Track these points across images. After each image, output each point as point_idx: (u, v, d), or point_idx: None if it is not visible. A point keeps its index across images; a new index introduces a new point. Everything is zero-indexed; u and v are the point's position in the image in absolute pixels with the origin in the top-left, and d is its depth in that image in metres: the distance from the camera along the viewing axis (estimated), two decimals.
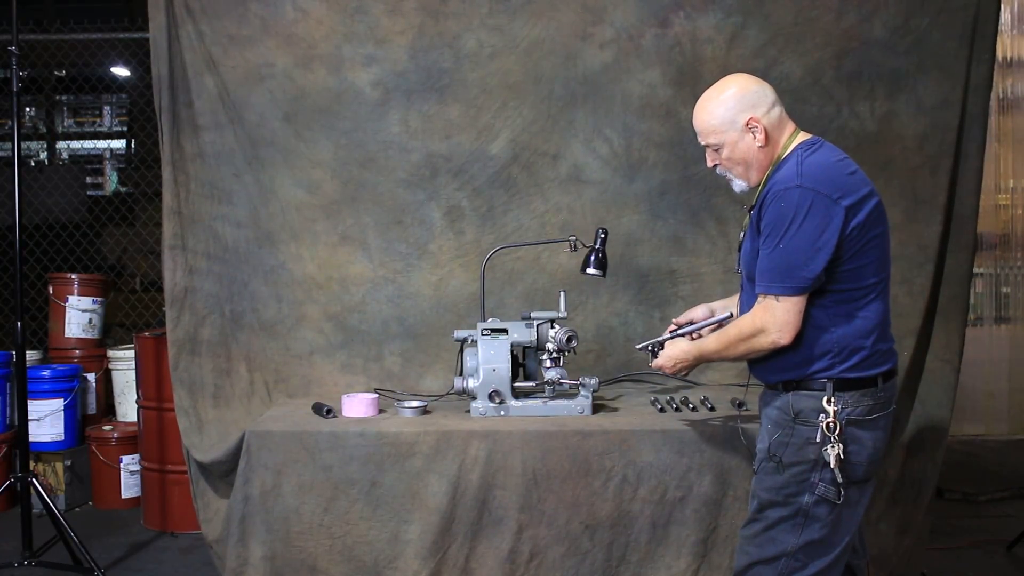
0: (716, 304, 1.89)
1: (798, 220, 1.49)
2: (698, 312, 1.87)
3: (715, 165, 1.67)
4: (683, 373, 1.78)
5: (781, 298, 1.53)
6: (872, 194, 1.55)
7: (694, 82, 2.45)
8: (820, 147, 1.58)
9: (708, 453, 1.99)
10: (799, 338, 1.55)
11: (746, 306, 1.65)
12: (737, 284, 1.85)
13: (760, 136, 1.59)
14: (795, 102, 1.68)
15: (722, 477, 1.98)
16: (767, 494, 1.60)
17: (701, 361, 1.75)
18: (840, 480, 1.53)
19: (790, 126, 1.62)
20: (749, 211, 1.65)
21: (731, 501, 1.98)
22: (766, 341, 1.55)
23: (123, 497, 3.38)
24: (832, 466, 1.51)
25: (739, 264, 1.71)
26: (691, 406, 2.19)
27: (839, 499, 1.54)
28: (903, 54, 2.42)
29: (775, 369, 1.61)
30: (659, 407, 2.17)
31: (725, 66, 2.33)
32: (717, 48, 2.47)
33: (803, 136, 1.62)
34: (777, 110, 1.61)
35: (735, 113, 1.60)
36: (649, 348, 1.85)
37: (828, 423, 1.52)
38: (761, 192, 1.60)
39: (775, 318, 1.53)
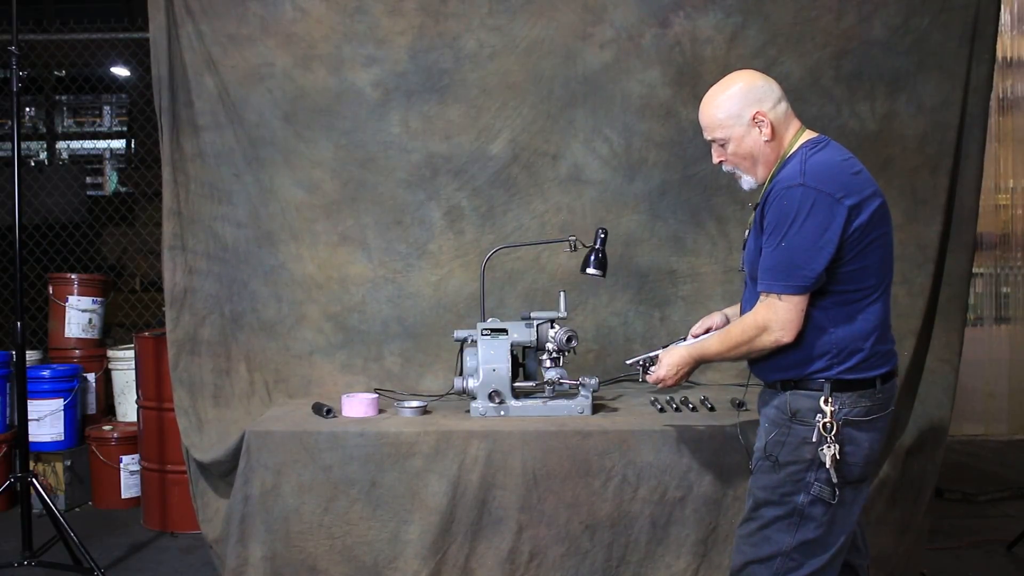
0: (729, 310, 1.86)
1: (800, 218, 1.49)
2: (715, 319, 1.84)
3: (721, 161, 1.66)
4: (684, 380, 1.75)
5: (784, 296, 1.52)
6: (876, 195, 1.55)
7: (694, 82, 2.45)
8: (825, 146, 1.58)
9: (708, 453, 1.98)
10: (799, 338, 1.54)
11: (748, 305, 1.64)
12: (739, 285, 1.85)
13: (767, 130, 1.58)
14: (795, 102, 1.67)
15: (722, 477, 1.98)
16: (763, 493, 1.60)
17: (702, 363, 1.74)
18: (835, 480, 1.52)
19: (795, 123, 1.62)
20: (754, 209, 1.65)
21: (731, 501, 1.98)
22: (769, 340, 1.55)
23: (123, 497, 3.38)
24: (828, 466, 1.51)
25: (743, 263, 1.70)
26: (691, 406, 2.19)
27: (834, 499, 1.54)
28: (903, 54, 2.42)
29: (774, 368, 1.61)
30: (659, 407, 2.17)
31: (725, 66, 2.32)
32: (717, 48, 2.47)
33: (809, 134, 1.61)
34: (783, 105, 1.60)
35: (741, 107, 1.59)
36: (641, 364, 1.81)
37: (825, 423, 1.52)
38: (765, 190, 1.59)
39: (777, 316, 1.53)
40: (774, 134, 1.59)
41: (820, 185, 1.50)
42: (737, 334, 1.60)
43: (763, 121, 1.58)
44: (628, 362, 1.86)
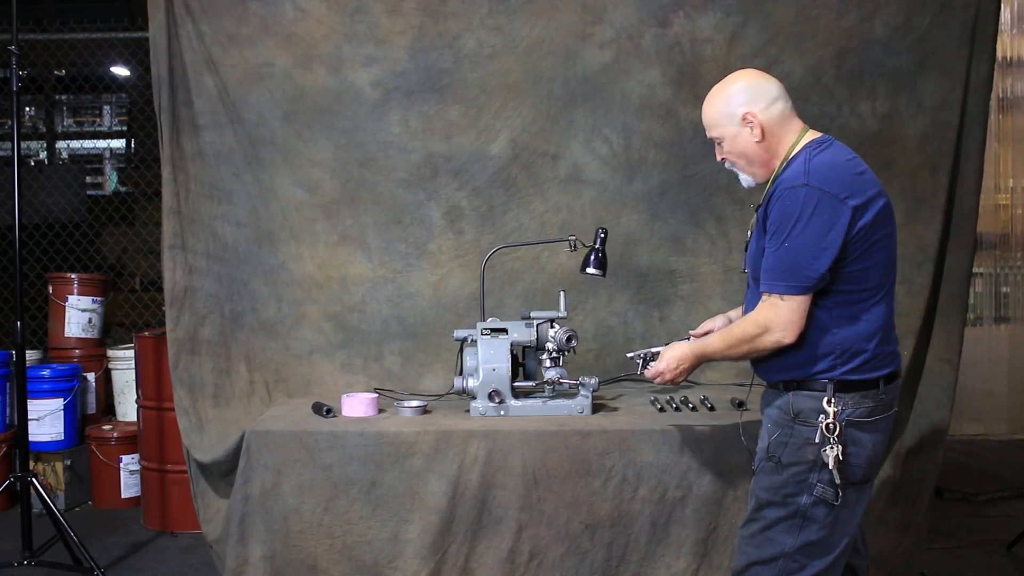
0: (733, 313, 1.86)
1: (804, 218, 1.49)
2: (717, 322, 1.83)
3: (724, 160, 1.67)
4: (683, 377, 1.74)
5: (786, 297, 1.52)
6: (880, 195, 1.54)
7: (694, 82, 2.45)
8: (829, 146, 1.57)
9: (708, 453, 1.98)
10: (802, 338, 1.54)
11: (751, 305, 1.64)
12: (738, 284, 1.85)
13: (756, 131, 1.59)
14: (796, 101, 1.67)
15: (722, 477, 1.98)
16: (765, 494, 1.59)
17: (703, 361, 1.73)
18: (838, 481, 1.52)
19: (796, 124, 1.61)
20: (757, 209, 1.65)
21: (731, 501, 1.98)
22: (770, 340, 1.54)
23: (123, 497, 3.38)
24: (831, 467, 1.51)
25: (745, 263, 1.70)
26: (691, 406, 2.19)
27: (837, 500, 1.53)
28: (904, 53, 2.41)
29: (777, 368, 1.60)
30: (659, 407, 2.17)
31: (725, 66, 2.32)
32: (717, 48, 2.46)
33: (813, 134, 1.61)
34: (779, 106, 1.59)
35: (733, 107, 1.60)
36: (641, 356, 1.78)
37: (828, 424, 1.52)
38: (768, 190, 1.60)
39: (780, 317, 1.52)
40: (764, 135, 1.59)
41: (824, 185, 1.49)
42: (739, 333, 1.60)
43: (752, 122, 1.59)
44: (629, 355, 1.84)
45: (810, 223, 1.48)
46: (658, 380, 1.74)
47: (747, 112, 1.58)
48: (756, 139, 1.59)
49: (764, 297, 1.56)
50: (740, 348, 1.60)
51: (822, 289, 1.53)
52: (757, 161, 1.61)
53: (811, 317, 1.54)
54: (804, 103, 2.38)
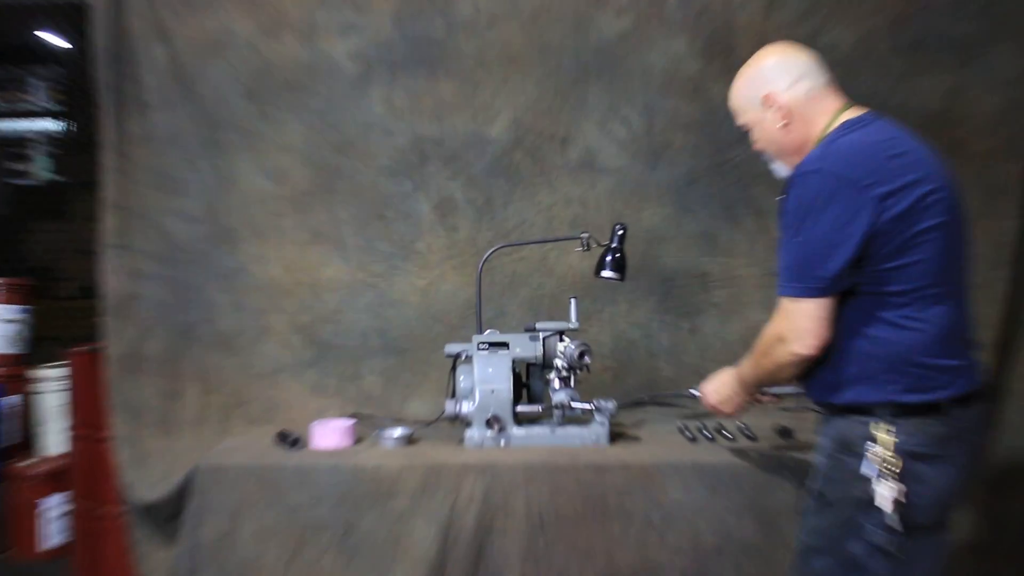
0: None
1: (816, 210, 1.46)
2: None
3: (760, 149, 1.69)
4: (730, 409, 1.75)
5: (799, 300, 1.50)
6: (925, 180, 1.50)
7: (726, 54, 2.48)
8: (866, 125, 1.55)
9: (749, 491, 1.96)
10: (836, 349, 1.52)
11: None
12: None
13: (778, 115, 1.59)
14: (845, 77, 1.67)
15: (766, 520, 1.96)
16: (810, 538, 1.57)
17: (746, 388, 1.72)
18: (896, 526, 1.48)
19: (833, 103, 1.60)
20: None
21: (777, 549, 1.95)
22: (786, 351, 1.52)
23: (46, 546, 3.33)
24: (885, 507, 1.47)
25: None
26: (727, 434, 2.17)
27: (896, 548, 1.49)
28: (972, 19, 2.44)
29: (814, 388, 1.59)
30: (689, 435, 2.17)
31: (762, 35, 2.36)
32: (753, 14, 2.49)
33: (854, 112, 1.59)
34: (805, 84, 1.58)
35: (754, 89, 1.62)
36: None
37: (880, 454, 1.48)
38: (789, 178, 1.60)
39: (793, 324, 1.50)
40: (792, 118, 1.58)
41: (841, 170, 1.47)
42: (759, 346, 1.60)
43: (774, 104, 1.59)
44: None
45: (824, 214, 1.46)
46: (707, 406, 1.79)
47: (767, 93, 1.59)
48: (781, 123, 1.59)
49: (779, 302, 1.54)
50: (763, 364, 1.59)
51: (853, 290, 1.50)
52: (788, 148, 1.61)
53: (847, 323, 1.51)
54: (853, 79, 2.33)
